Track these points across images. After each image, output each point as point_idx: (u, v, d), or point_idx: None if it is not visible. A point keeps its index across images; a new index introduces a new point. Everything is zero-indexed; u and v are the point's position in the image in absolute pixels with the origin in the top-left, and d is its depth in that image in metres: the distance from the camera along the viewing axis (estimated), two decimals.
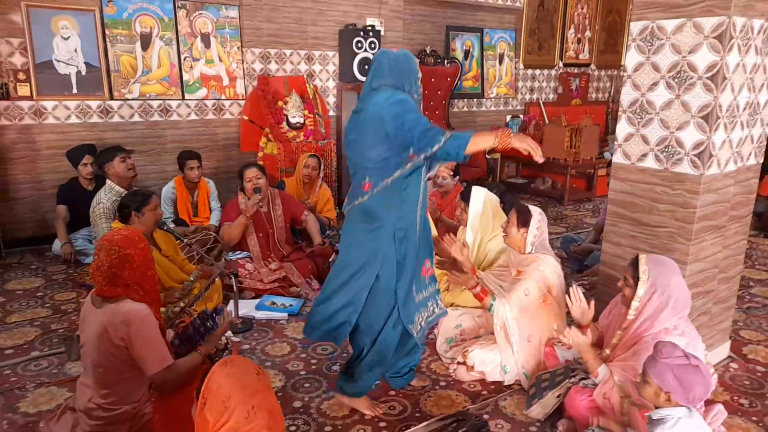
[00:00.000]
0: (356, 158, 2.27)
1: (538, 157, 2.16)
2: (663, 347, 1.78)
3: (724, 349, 2.97)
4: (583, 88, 8.43)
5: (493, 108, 7.57)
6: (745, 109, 2.47)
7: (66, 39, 4.44)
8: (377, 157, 2.18)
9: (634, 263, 2.19)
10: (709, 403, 2.40)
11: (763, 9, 2.32)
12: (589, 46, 8.37)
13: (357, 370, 2.38)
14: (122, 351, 2.05)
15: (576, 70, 8.27)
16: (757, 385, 2.74)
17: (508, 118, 7.60)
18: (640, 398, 1.90)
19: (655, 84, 2.46)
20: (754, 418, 2.46)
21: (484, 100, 7.44)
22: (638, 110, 2.54)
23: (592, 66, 8.49)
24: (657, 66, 2.44)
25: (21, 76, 4.33)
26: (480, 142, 2.12)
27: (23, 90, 4.35)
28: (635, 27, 2.49)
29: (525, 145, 2.13)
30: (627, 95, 2.57)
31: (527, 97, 7.90)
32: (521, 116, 7.65)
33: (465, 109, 7.29)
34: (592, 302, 2.38)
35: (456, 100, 7.12)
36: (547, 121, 7.47)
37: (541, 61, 7.86)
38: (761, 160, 2.77)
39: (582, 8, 8.10)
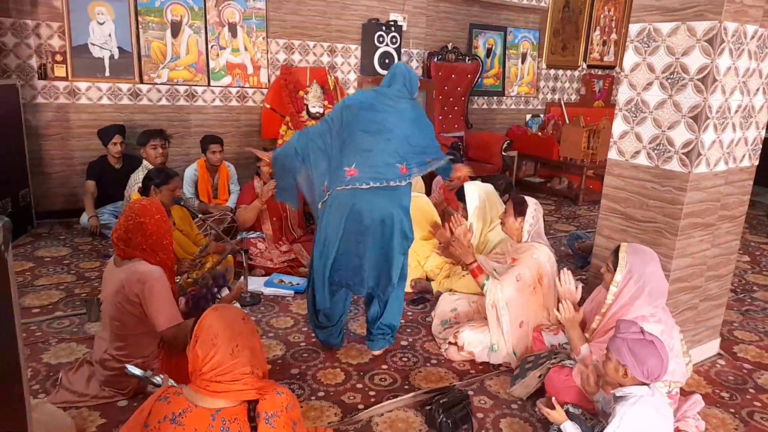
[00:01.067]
0: (398, 145, 2.65)
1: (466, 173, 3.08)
2: (621, 324, 1.90)
3: (713, 346, 3.05)
4: (606, 91, 8.42)
5: (513, 106, 7.64)
6: (737, 111, 2.54)
7: (101, 24, 4.69)
8: (416, 149, 2.70)
9: (616, 251, 2.30)
10: (687, 393, 2.51)
11: (755, 15, 2.39)
12: (614, 48, 8.36)
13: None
14: (136, 307, 2.27)
15: (600, 72, 8.27)
16: (741, 380, 2.81)
17: (528, 116, 7.67)
18: (609, 378, 2.01)
19: (650, 84, 2.55)
20: (732, 410, 2.55)
21: (505, 98, 7.51)
22: (633, 109, 2.63)
23: (617, 69, 8.47)
24: (652, 67, 2.53)
25: (58, 57, 4.60)
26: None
27: (60, 71, 4.62)
28: (633, 29, 2.58)
29: (464, 172, 3.04)
30: (623, 94, 2.67)
31: (549, 97, 7.94)
32: (541, 115, 7.71)
33: (485, 106, 7.38)
34: (580, 285, 2.49)
35: (476, 98, 7.21)
36: (567, 121, 7.51)
37: (564, 61, 7.89)
38: (756, 163, 2.84)
39: (609, 11, 8.09)
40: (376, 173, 2.60)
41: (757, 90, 2.64)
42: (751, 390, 2.73)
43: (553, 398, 2.12)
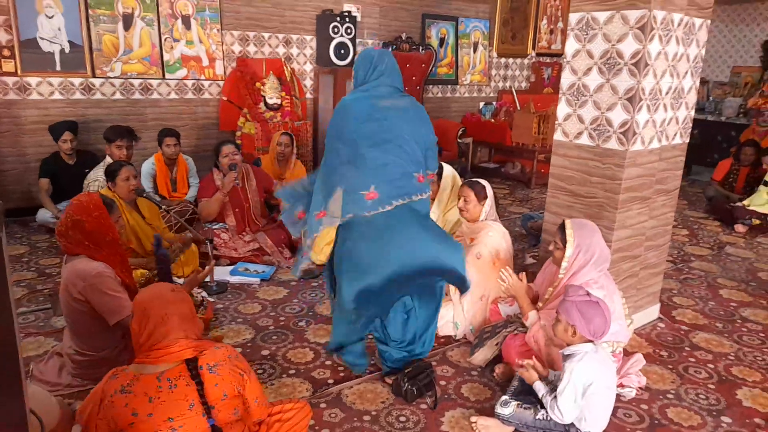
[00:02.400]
0: (411, 150, 2.32)
1: None
2: (570, 288, 2.09)
3: (653, 311, 3.30)
4: (555, 77, 8.73)
5: (467, 95, 7.85)
6: (668, 92, 2.77)
7: (50, 18, 4.60)
8: (425, 153, 2.40)
9: (561, 228, 2.48)
10: (630, 353, 2.74)
11: (681, 4, 2.61)
12: (561, 36, 8.66)
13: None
14: (83, 304, 2.29)
15: (548, 60, 8.57)
16: (678, 340, 3.08)
17: (481, 104, 7.89)
18: (558, 339, 2.20)
19: (590, 69, 2.75)
20: (670, 366, 2.80)
21: (458, 86, 7.71)
22: (575, 93, 2.83)
23: (564, 56, 8.78)
24: (591, 53, 2.73)
25: (6, 52, 4.49)
26: None
27: (8, 66, 4.52)
28: (573, 17, 2.77)
29: None
30: (566, 79, 2.86)
31: (500, 84, 8.19)
32: (494, 103, 7.95)
33: (439, 95, 7.55)
34: (523, 274, 2.68)
35: (431, 87, 7.37)
36: (518, 108, 7.77)
37: (514, 50, 8.14)
38: (687, 140, 3.09)
39: (555, 0, 8.38)
40: (397, 188, 2.28)
41: (686, 73, 2.87)
42: (687, 348, 2.99)
43: (525, 361, 2.28)
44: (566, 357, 2.12)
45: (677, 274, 4.07)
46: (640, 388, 2.57)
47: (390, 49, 6.59)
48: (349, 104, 2.37)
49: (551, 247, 2.58)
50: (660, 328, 3.21)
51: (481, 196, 3.12)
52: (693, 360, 2.87)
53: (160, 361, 1.66)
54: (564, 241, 2.48)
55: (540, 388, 2.18)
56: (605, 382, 2.09)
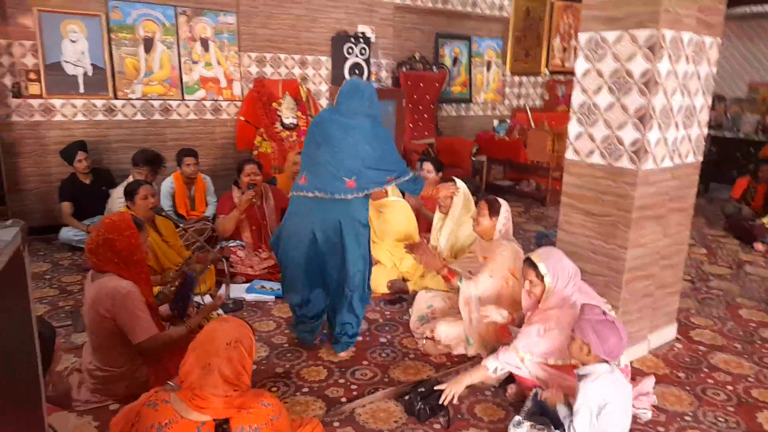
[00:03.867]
0: (345, 158, 2.72)
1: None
2: (585, 308, 2.10)
3: (671, 331, 3.26)
4: (569, 95, 8.72)
5: (480, 113, 7.89)
6: (679, 111, 2.78)
7: (74, 42, 4.76)
8: (369, 166, 2.74)
9: (532, 265, 2.48)
10: (645, 374, 2.72)
11: (690, 23, 2.63)
12: (575, 54, 8.69)
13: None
14: (108, 321, 2.35)
15: (562, 78, 8.59)
16: (696, 361, 3.03)
17: (496, 122, 7.92)
18: (575, 357, 2.19)
19: (600, 88, 2.77)
20: (687, 388, 2.76)
21: (472, 105, 7.76)
22: (586, 112, 2.85)
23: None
24: (601, 72, 2.75)
25: (32, 76, 4.65)
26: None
27: (34, 89, 4.67)
28: (583, 37, 2.80)
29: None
30: (577, 98, 2.88)
31: (514, 103, 8.22)
32: (508, 121, 7.98)
33: (453, 114, 7.61)
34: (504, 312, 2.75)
35: (445, 105, 7.44)
36: (533, 126, 7.78)
37: (527, 68, 8.19)
38: (700, 159, 3.08)
39: (568, 18, 8.44)
40: (320, 184, 2.74)
41: (697, 91, 2.88)
42: (705, 369, 2.95)
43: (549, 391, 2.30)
44: (581, 377, 2.11)
45: (695, 293, 4.02)
46: (654, 406, 2.54)
47: (404, 68, 6.68)
48: (321, 111, 2.97)
49: (527, 287, 2.54)
50: (677, 349, 3.17)
51: (493, 212, 3.12)
52: (711, 381, 2.83)
53: (203, 411, 1.61)
54: (540, 276, 2.47)
55: (562, 410, 2.17)
56: (620, 403, 2.08)
